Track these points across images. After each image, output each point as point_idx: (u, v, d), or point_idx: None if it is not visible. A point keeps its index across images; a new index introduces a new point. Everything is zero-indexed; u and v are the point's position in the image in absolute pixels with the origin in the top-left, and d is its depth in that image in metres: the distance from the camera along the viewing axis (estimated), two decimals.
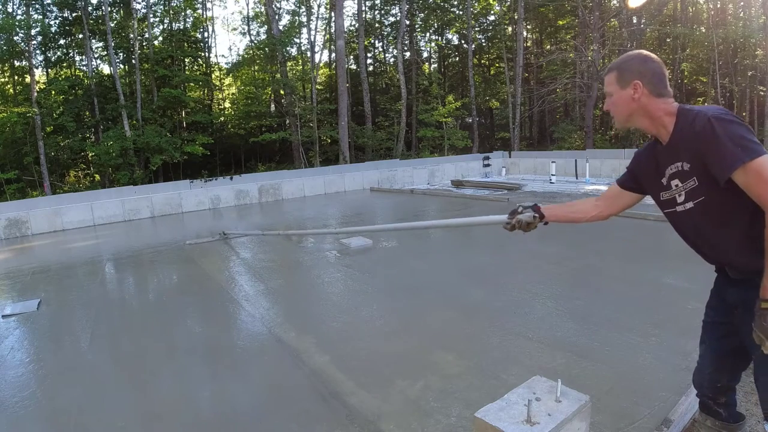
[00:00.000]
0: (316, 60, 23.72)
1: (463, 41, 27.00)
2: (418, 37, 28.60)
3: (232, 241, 7.52)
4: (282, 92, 21.59)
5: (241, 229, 8.11)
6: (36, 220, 9.10)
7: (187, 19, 23.16)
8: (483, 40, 27.92)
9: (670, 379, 2.73)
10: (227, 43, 43.97)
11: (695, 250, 1.65)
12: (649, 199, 1.74)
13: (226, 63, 26.81)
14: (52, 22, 19.34)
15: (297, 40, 22.99)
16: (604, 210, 1.85)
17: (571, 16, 23.35)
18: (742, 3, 19.11)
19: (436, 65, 29.94)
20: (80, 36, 19.18)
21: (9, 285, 5.54)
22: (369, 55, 28.30)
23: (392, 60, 28.39)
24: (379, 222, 8.62)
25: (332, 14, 22.41)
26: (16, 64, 18.50)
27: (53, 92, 18.53)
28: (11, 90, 19.00)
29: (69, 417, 2.69)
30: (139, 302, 4.93)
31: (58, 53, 20.36)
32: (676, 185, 1.55)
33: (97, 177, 18.95)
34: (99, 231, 9.15)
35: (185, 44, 22.24)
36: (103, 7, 18.03)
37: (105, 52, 20.49)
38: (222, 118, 24.00)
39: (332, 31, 23.35)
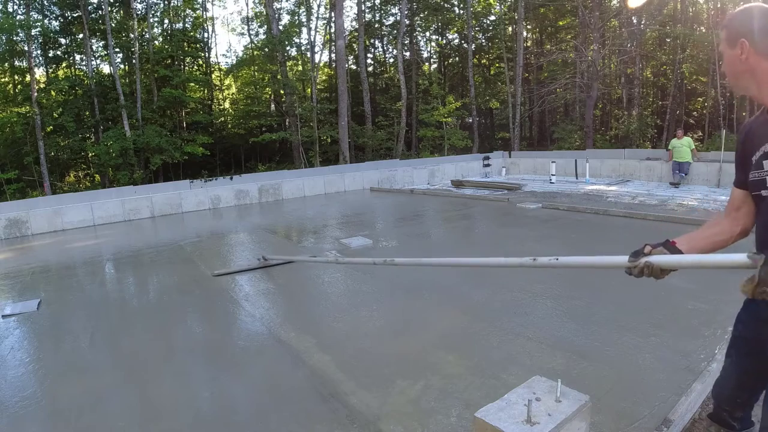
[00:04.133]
0: (316, 60, 23.74)
1: (463, 41, 27.00)
2: (418, 37, 28.61)
3: (233, 240, 7.52)
4: (282, 92, 21.59)
5: (276, 252, 6.44)
6: (36, 220, 9.09)
7: (187, 20, 23.18)
8: (483, 40, 27.92)
9: (670, 379, 2.73)
10: (227, 44, 44.05)
11: (762, 247, 1.36)
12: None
13: (226, 63, 26.85)
14: (52, 22, 19.34)
15: (297, 40, 23.01)
16: (745, 220, 1.49)
17: (571, 16, 23.34)
18: (742, 3, 19.10)
19: (436, 65, 29.95)
20: (80, 36, 19.17)
21: (9, 285, 5.53)
22: (369, 55, 28.29)
23: (392, 60, 28.39)
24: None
25: (332, 14, 22.41)
26: (16, 64, 18.49)
27: (53, 92, 18.52)
28: (11, 90, 18.98)
29: (69, 417, 2.69)
30: (139, 302, 4.93)
31: (58, 53, 20.35)
32: None
33: (97, 177, 18.95)
34: (99, 231, 9.15)
35: (185, 44, 22.24)
36: (103, 7, 18.03)
37: (105, 52, 20.48)
38: (222, 118, 23.99)
39: (332, 31, 23.35)
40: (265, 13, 22.62)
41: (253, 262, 5.88)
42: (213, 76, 24.76)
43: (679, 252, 1.40)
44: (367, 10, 26.49)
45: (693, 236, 1.50)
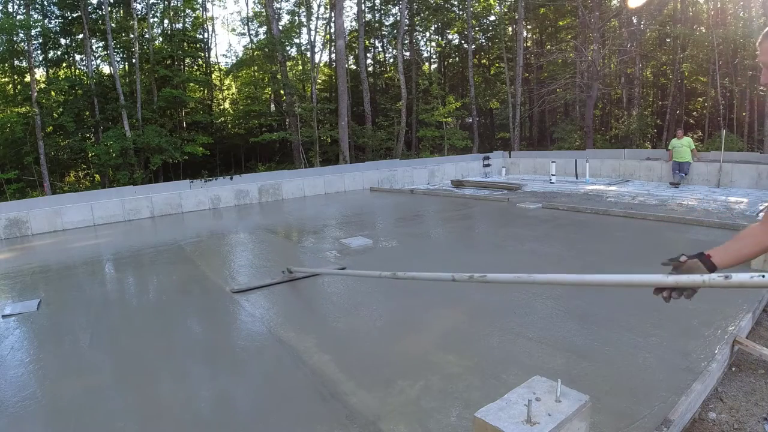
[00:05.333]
0: (316, 60, 23.73)
1: (463, 41, 27.00)
2: (418, 37, 28.61)
3: (233, 240, 7.51)
4: (282, 92, 21.59)
5: (304, 264, 5.60)
6: (36, 220, 9.09)
7: (187, 20, 23.19)
8: (483, 40, 27.92)
9: (670, 379, 2.73)
10: (227, 44, 44.03)
11: None
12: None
13: (226, 63, 26.86)
14: (52, 22, 19.35)
15: (297, 40, 23.02)
16: None
17: (571, 16, 23.35)
18: (742, 3, 19.09)
19: (436, 65, 29.94)
20: (80, 36, 19.18)
21: (9, 285, 5.53)
22: (369, 55, 28.28)
23: (392, 60, 28.39)
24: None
25: (332, 14, 22.42)
26: (16, 64, 18.50)
27: (53, 92, 18.52)
28: (11, 90, 18.99)
29: (69, 417, 2.69)
30: (139, 302, 4.93)
31: (58, 53, 20.36)
32: None
33: (97, 177, 18.95)
34: (99, 231, 9.15)
35: (185, 44, 22.25)
36: (103, 7, 18.03)
37: (105, 52, 20.50)
38: (222, 118, 24.00)
39: (332, 31, 23.35)
40: (265, 13, 22.63)
41: (275, 273, 5.28)
42: (213, 76, 24.76)
43: (713, 267, 1.37)
44: (367, 10, 26.49)
45: (727, 246, 1.45)
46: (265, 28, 23.90)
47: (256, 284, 4.97)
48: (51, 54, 20.08)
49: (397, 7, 25.24)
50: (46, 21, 19.05)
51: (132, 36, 19.35)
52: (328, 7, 23.69)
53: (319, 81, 25.39)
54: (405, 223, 8.30)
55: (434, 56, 30.53)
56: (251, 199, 11.77)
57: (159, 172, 19.00)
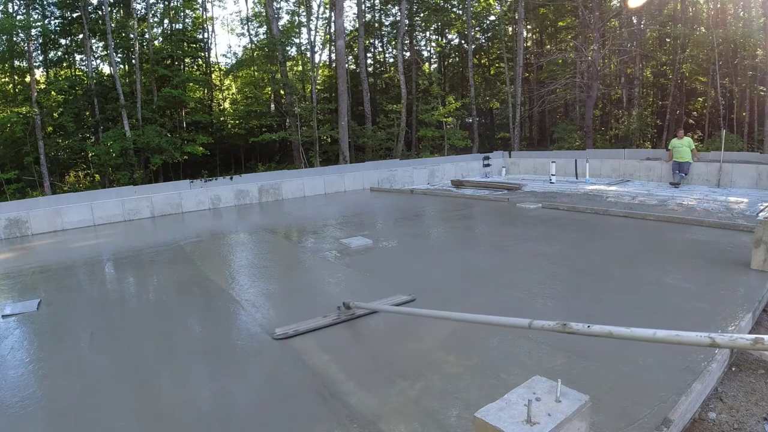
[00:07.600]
0: (316, 60, 23.73)
1: (463, 41, 27.00)
2: (418, 37, 28.60)
3: (233, 240, 7.51)
4: (282, 92, 21.59)
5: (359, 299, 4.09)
6: (36, 220, 9.09)
7: (187, 20, 23.19)
8: (483, 40, 27.92)
9: (670, 379, 2.73)
10: (227, 44, 43.93)
11: None
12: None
13: (225, 63, 26.83)
14: (52, 22, 19.36)
15: (297, 40, 23.01)
16: None
17: (571, 16, 23.34)
18: (742, 3, 19.09)
19: (436, 65, 29.94)
20: (80, 36, 19.18)
21: (9, 285, 5.53)
22: (369, 55, 28.28)
23: (392, 60, 28.39)
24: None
25: (332, 14, 22.42)
26: (16, 64, 18.50)
27: (53, 92, 18.52)
28: (11, 90, 18.99)
29: (69, 417, 2.69)
30: (139, 302, 4.93)
31: (58, 53, 20.36)
32: None
33: (97, 177, 18.94)
34: (99, 231, 9.15)
35: (185, 44, 22.25)
36: (103, 7, 18.03)
37: (105, 52, 20.49)
38: (222, 118, 24.01)
39: (332, 31, 23.35)
40: (264, 13, 22.63)
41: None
42: (213, 76, 24.76)
43: None
44: (367, 10, 26.48)
45: None
46: (264, 28, 23.90)
47: (306, 327, 3.75)
48: (51, 54, 20.08)
49: (397, 7, 25.22)
50: (46, 21, 19.05)
51: (132, 36, 19.34)
52: (328, 7, 23.69)
53: (319, 81, 25.38)
54: (405, 223, 8.30)
55: (434, 56, 30.54)
56: (251, 199, 11.77)
57: (159, 172, 19.00)
